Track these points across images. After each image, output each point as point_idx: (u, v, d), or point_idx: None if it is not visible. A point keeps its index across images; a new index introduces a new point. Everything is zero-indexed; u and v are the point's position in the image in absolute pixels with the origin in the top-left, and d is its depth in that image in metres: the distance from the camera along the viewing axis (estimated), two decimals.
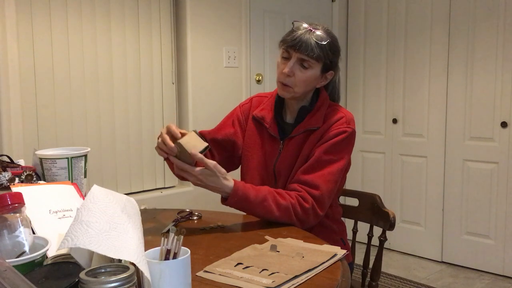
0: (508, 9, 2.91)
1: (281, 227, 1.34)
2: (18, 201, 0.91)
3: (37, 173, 1.36)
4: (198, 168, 1.29)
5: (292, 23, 1.48)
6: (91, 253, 0.83)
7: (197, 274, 0.98)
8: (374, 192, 1.74)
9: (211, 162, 1.29)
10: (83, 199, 1.05)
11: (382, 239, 1.62)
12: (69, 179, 1.32)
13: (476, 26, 3.04)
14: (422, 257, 3.41)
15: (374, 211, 1.67)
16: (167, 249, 0.82)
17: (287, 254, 1.09)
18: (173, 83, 2.89)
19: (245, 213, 1.43)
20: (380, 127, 3.57)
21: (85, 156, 1.37)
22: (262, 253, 1.10)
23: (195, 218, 1.44)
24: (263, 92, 1.75)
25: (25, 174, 1.33)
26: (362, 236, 1.89)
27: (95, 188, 0.89)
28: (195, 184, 1.33)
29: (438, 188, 3.29)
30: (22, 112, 2.31)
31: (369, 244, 1.70)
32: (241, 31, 3.05)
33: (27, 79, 2.32)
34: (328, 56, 1.46)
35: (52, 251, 0.90)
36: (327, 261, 1.06)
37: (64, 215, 1.09)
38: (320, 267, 1.03)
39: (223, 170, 1.32)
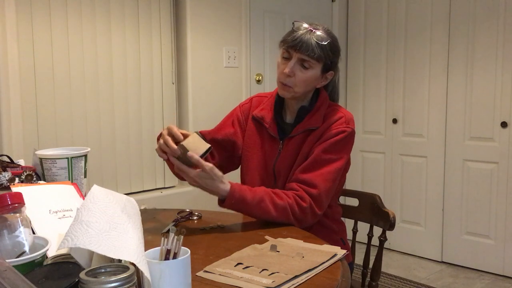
0: (508, 9, 2.91)
1: (281, 227, 1.34)
2: (18, 201, 0.91)
3: (37, 173, 1.36)
4: (195, 170, 1.29)
5: (293, 23, 1.48)
6: (91, 253, 0.83)
7: (197, 274, 0.98)
8: (374, 192, 1.74)
9: (208, 165, 1.29)
10: (83, 199, 1.05)
11: (382, 239, 1.62)
12: (69, 179, 1.32)
13: (476, 26, 3.04)
14: (422, 257, 3.41)
15: (374, 211, 1.67)
16: (167, 249, 0.82)
17: (287, 254, 1.09)
18: (173, 83, 2.89)
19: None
20: (380, 127, 3.57)
21: (85, 156, 1.37)
22: (262, 253, 1.10)
23: (195, 218, 1.44)
24: (263, 92, 1.75)
25: (25, 174, 1.33)
26: (362, 236, 1.89)
27: (95, 188, 0.89)
28: (192, 185, 1.34)
29: (438, 188, 3.29)
30: (22, 112, 2.31)
31: (369, 244, 1.70)
32: (241, 31, 3.05)
33: (27, 79, 2.32)
34: (329, 56, 1.46)
35: (52, 251, 0.90)
36: (327, 261, 1.06)
37: (64, 215, 1.09)
38: (320, 267, 1.03)
39: (220, 174, 1.32)
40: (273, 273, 0.97)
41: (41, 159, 1.33)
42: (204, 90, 2.91)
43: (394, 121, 3.48)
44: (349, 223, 1.73)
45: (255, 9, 3.14)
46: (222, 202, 1.35)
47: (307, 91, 1.51)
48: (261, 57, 3.20)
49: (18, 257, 0.82)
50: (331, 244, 1.17)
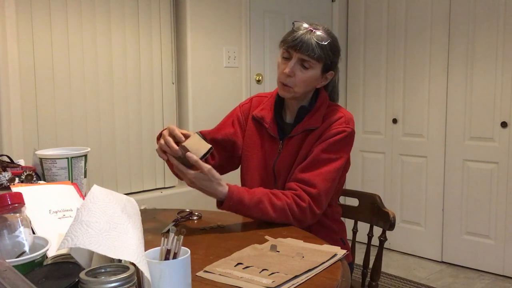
0: (508, 9, 2.91)
1: (281, 227, 1.34)
2: (18, 201, 0.91)
3: (37, 173, 1.36)
4: (193, 172, 1.29)
5: (293, 23, 1.48)
6: (91, 253, 0.83)
7: (197, 274, 0.98)
8: (374, 192, 1.74)
9: (206, 166, 1.28)
10: (83, 199, 1.05)
11: (382, 239, 1.62)
12: (69, 179, 1.32)
13: (476, 26, 3.04)
14: (422, 257, 3.41)
15: (374, 211, 1.67)
16: (167, 249, 0.82)
17: (287, 254, 1.09)
18: (173, 83, 2.89)
19: None
20: (380, 127, 3.57)
21: (85, 156, 1.37)
22: (262, 253, 1.10)
23: (195, 218, 1.44)
24: (263, 92, 1.75)
25: (25, 174, 1.33)
26: (362, 236, 1.89)
27: (95, 188, 0.89)
28: (190, 186, 1.33)
29: (438, 188, 3.29)
30: (22, 112, 2.31)
31: (369, 244, 1.70)
32: (241, 31, 3.05)
33: (27, 79, 2.32)
34: (329, 56, 1.46)
35: (52, 251, 0.90)
36: (327, 261, 1.06)
37: (64, 215, 1.09)
38: (320, 267, 1.03)
39: (218, 175, 1.32)
40: (273, 273, 0.97)
41: (41, 159, 1.34)
42: (204, 90, 2.91)
43: (394, 121, 3.48)
44: (349, 223, 1.73)
45: (255, 9, 3.14)
46: (220, 205, 1.35)
47: (307, 91, 1.51)
48: (261, 57, 3.20)
49: (18, 257, 0.82)
50: (331, 244, 1.17)
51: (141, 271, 0.77)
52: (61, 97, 2.44)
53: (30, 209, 1.00)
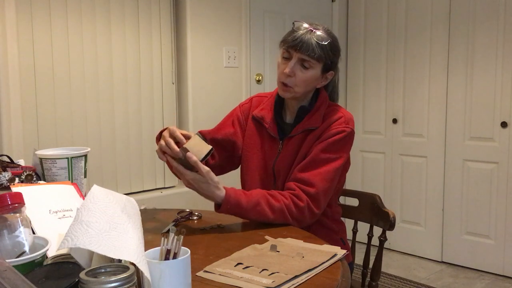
0: (508, 9, 2.91)
1: (281, 227, 1.34)
2: (18, 201, 0.91)
3: (37, 173, 1.36)
4: (192, 173, 1.29)
5: (293, 23, 1.48)
6: (91, 253, 0.83)
7: (197, 274, 0.98)
8: (374, 192, 1.74)
9: (205, 168, 1.28)
10: (83, 199, 1.05)
11: (382, 239, 1.62)
12: (69, 179, 1.32)
13: (476, 26, 3.04)
14: (422, 257, 3.41)
15: (374, 211, 1.67)
16: (167, 249, 0.82)
17: (287, 254, 1.09)
18: (173, 83, 2.89)
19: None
20: (380, 127, 3.57)
21: (85, 156, 1.37)
22: (262, 253, 1.10)
23: (195, 218, 1.44)
24: (263, 92, 1.75)
25: (25, 174, 1.33)
26: (362, 236, 1.89)
27: (95, 188, 0.89)
28: (188, 187, 1.33)
29: (438, 188, 3.29)
30: (22, 112, 2.31)
31: (369, 244, 1.70)
32: (241, 31, 3.05)
33: (27, 79, 2.32)
34: (329, 56, 1.46)
35: (52, 251, 0.90)
36: (327, 261, 1.06)
37: (64, 215, 1.09)
38: (320, 267, 1.03)
39: (216, 179, 1.31)
40: (273, 273, 0.97)
41: (41, 159, 1.34)
42: (204, 90, 2.91)
43: (394, 121, 3.48)
44: (349, 223, 1.73)
45: (255, 9, 3.14)
46: (218, 208, 1.35)
47: (307, 91, 1.51)
48: (261, 57, 3.20)
49: (18, 257, 0.82)
50: (331, 244, 1.17)
51: (141, 271, 0.77)
52: (61, 97, 2.44)
53: (30, 209, 1.00)
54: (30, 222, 0.92)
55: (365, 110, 3.66)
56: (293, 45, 1.43)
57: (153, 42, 2.77)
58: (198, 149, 1.27)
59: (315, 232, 1.37)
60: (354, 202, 1.77)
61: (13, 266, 0.73)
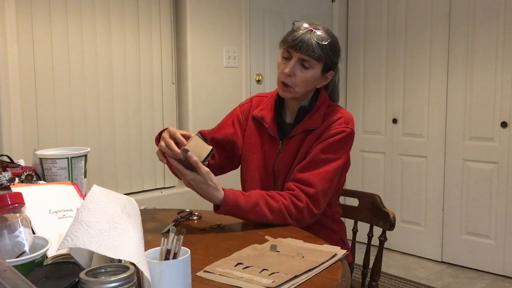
0: (508, 9, 2.91)
1: (281, 227, 1.34)
2: (18, 201, 0.91)
3: (37, 173, 1.36)
4: (192, 173, 1.29)
5: (293, 23, 1.48)
6: (91, 253, 0.83)
7: (197, 274, 0.98)
8: (374, 192, 1.74)
9: (205, 169, 1.28)
10: (83, 199, 1.05)
11: (382, 239, 1.62)
12: (69, 179, 1.32)
13: (476, 26, 3.04)
14: (422, 257, 3.41)
15: (374, 211, 1.67)
16: (167, 249, 0.82)
17: (287, 254, 1.09)
18: (173, 83, 2.89)
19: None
20: (380, 127, 3.57)
21: (85, 156, 1.37)
22: (262, 253, 1.10)
23: (195, 218, 1.44)
24: (263, 92, 1.75)
25: (25, 174, 1.33)
26: (362, 236, 1.89)
27: (95, 188, 0.89)
28: (188, 186, 1.34)
29: (438, 188, 3.29)
30: (22, 112, 2.31)
31: (369, 244, 1.70)
32: (241, 31, 3.05)
33: (27, 79, 2.32)
34: (329, 56, 1.46)
35: (52, 251, 0.90)
36: (327, 261, 1.06)
37: (64, 215, 1.09)
38: (320, 267, 1.03)
39: (215, 180, 1.32)
40: (273, 273, 0.97)
41: (41, 159, 1.34)
42: (204, 90, 2.91)
43: (394, 121, 3.48)
44: (349, 223, 1.73)
45: (255, 9, 3.14)
46: (217, 209, 1.36)
47: (307, 91, 1.51)
48: (261, 57, 3.20)
49: (18, 257, 0.82)
50: (331, 244, 1.17)
51: (141, 271, 0.77)
52: (61, 97, 2.44)
53: (30, 209, 1.00)
54: (30, 222, 0.92)
55: (365, 110, 3.66)
56: (293, 45, 1.43)
57: (153, 42, 2.77)
58: (199, 150, 1.27)
59: (315, 232, 1.37)
60: (354, 202, 1.77)
61: (13, 266, 0.73)
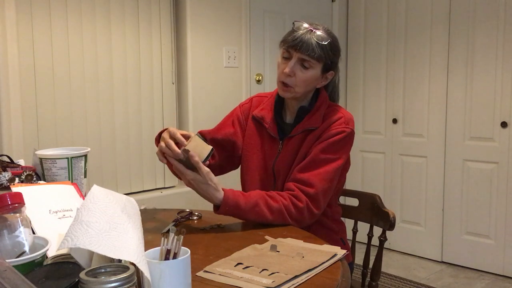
0: (508, 9, 2.91)
1: (281, 227, 1.34)
2: (18, 201, 0.91)
3: (37, 173, 1.36)
4: (192, 173, 1.29)
5: (293, 23, 1.48)
6: (91, 253, 0.83)
7: (197, 274, 0.98)
8: (374, 192, 1.74)
9: (205, 169, 1.29)
10: (83, 199, 1.05)
11: (382, 239, 1.62)
12: (69, 179, 1.32)
13: (476, 26, 3.04)
14: (422, 257, 3.41)
15: (374, 211, 1.67)
16: (167, 249, 0.82)
17: (287, 254, 1.09)
18: (173, 83, 2.89)
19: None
20: (380, 127, 3.57)
21: (85, 156, 1.37)
22: (262, 253, 1.10)
23: (195, 218, 1.44)
24: (263, 92, 1.75)
25: (25, 174, 1.33)
26: (362, 236, 1.89)
27: (95, 188, 0.89)
28: (188, 186, 1.34)
29: (438, 188, 3.29)
30: (22, 112, 2.31)
31: (369, 244, 1.70)
32: (241, 31, 3.05)
33: (27, 79, 2.32)
34: (329, 56, 1.46)
35: (52, 251, 0.90)
36: (327, 261, 1.06)
37: (64, 215, 1.09)
38: (320, 267, 1.03)
39: (215, 180, 1.32)
40: (273, 273, 0.97)
41: (41, 159, 1.34)
42: (204, 90, 2.91)
43: (394, 121, 3.48)
44: (349, 223, 1.73)
45: (255, 9, 3.14)
46: (217, 209, 1.36)
47: (307, 91, 1.51)
48: (261, 57, 3.20)
49: (18, 257, 0.82)
50: (331, 244, 1.17)
51: (141, 271, 0.77)
52: (61, 97, 2.44)
53: (30, 209, 1.00)
54: (30, 222, 0.92)
55: (365, 110, 3.66)
56: (293, 45, 1.43)
57: (153, 42, 2.77)
58: (199, 150, 1.27)
59: (315, 232, 1.37)
60: (354, 202, 1.77)
61: (13, 266, 0.73)
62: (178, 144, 1.28)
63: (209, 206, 1.40)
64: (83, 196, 1.20)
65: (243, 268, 1.00)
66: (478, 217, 3.12)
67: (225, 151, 1.61)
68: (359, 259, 2.03)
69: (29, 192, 1.09)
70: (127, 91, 2.68)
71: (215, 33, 2.93)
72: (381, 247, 1.63)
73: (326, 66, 1.48)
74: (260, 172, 1.56)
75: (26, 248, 0.86)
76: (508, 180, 2.98)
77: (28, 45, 2.32)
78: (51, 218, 1.07)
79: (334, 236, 1.56)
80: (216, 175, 1.35)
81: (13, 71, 2.25)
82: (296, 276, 0.96)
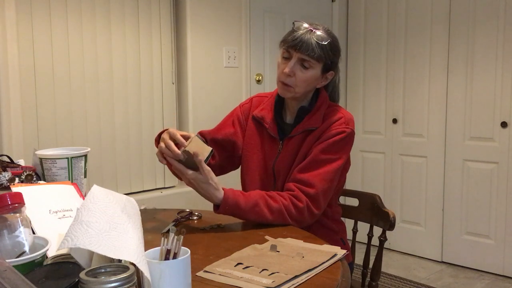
0: (508, 9, 2.91)
1: (281, 227, 1.34)
2: (18, 201, 0.91)
3: (37, 173, 1.36)
4: (192, 172, 1.29)
5: (293, 23, 1.48)
6: (91, 253, 0.83)
7: (197, 274, 0.98)
8: (374, 192, 1.74)
9: (206, 168, 1.29)
10: (83, 199, 1.05)
11: (382, 239, 1.62)
12: (69, 179, 1.32)
13: (476, 26, 3.04)
14: (422, 257, 3.41)
15: (374, 211, 1.67)
16: (167, 249, 0.82)
17: (287, 254, 1.09)
18: (173, 83, 2.89)
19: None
20: (380, 127, 3.57)
21: (85, 156, 1.37)
22: (262, 253, 1.10)
23: (195, 218, 1.44)
24: (263, 92, 1.75)
25: (25, 174, 1.33)
26: (362, 236, 1.89)
27: (95, 188, 0.89)
28: (188, 185, 1.34)
29: (438, 188, 3.29)
30: (22, 112, 2.31)
31: (369, 244, 1.70)
32: (241, 31, 3.05)
33: (27, 79, 2.32)
34: (329, 56, 1.46)
35: (52, 251, 0.90)
36: (327, 261, 1.06)
37: (64, 215, 1.09)
38: (320, 267, 1.03)
39: (216, 180, 1.32)
40: (273, 273, 0.97)
41: (41, 159, 1.34)
42: (204, 90, 2.91)
43: (394, 121, 3.48)
44: (349, 223, 1.73)
45: (255, 9, 3.14)
46: (216, 209, 1.36)
47: (307, 91, 1.51)
48: (261, 57, 3.20)
49: (18, 257, 0.82)
50: (331, 244, 1.17)
51: (141, 271, 0.77)
52: (61, 97, 2.44)
53: (30, 209, 1.00)
54: (30, 222, 0.92)
55: (365, 110, 3.66)
56: (293, 45, 1.43)
57: (153, 42, 2.77)
58: (200, 151, 1.27)
59: (315, 232, 1.37)
60: (354, 202, 1.77)
61: (13, 266, 0.73)
62: (178, 145, 1.28)
63: (209, 206, 1.40)
64: (83, 196, 1.20)
65: (243, 268, 1.00)
66: (478, 217, 3.12)
67: (225, 151, 1.61)
68: (359, 259, 2.03)
69: (29, 192, 1.09)
70: (127, 91, 2.68)
71: (215, 33, 2.93)
72: (381, 247, 1.63)
73: (326, 66, 1.48)
74: (260, 172, 1.56)
75: (26, 248, 0.86)
76: (508, 180, 2.98)
77: (28, 45, 2.32)
78: (51, 218, 1.07)
79: (334, 236, 1.56)
80: (216, 175, 1.35)
81: (13, 71, 2.25)
82: (296, 276, 0.96)
